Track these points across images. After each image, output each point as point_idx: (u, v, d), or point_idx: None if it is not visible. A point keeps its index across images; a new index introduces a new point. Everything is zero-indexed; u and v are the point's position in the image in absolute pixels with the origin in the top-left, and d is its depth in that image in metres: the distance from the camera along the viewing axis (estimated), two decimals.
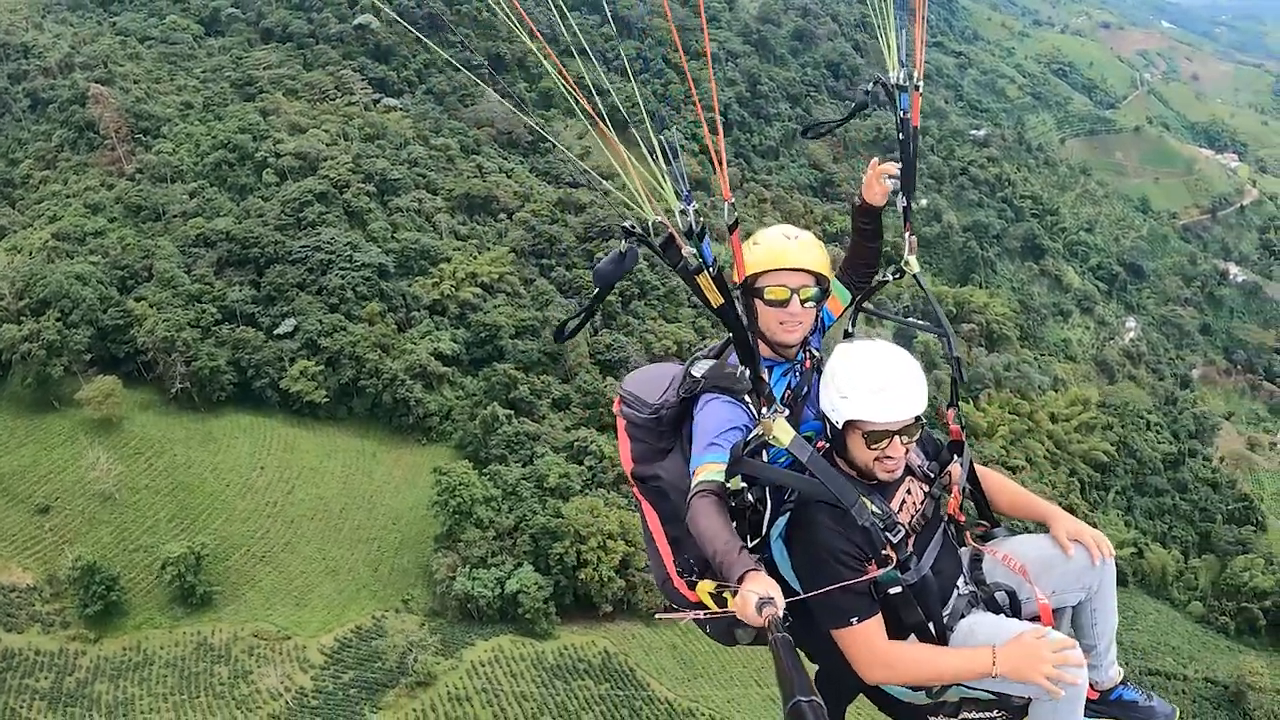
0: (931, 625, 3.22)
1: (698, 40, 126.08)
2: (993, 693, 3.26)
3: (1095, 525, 3.78)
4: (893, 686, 3.35)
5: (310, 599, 59.46)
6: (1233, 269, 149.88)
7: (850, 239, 3.98)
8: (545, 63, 3.12)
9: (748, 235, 3.45)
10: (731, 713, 55.96)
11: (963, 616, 3.33)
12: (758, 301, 3.41)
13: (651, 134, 2.85)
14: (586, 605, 60.94)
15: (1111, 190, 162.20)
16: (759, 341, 3.41)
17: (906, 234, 3.80)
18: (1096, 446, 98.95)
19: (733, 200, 2.96)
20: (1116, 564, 3.54)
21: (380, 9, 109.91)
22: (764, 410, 3.17)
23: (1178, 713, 3.69)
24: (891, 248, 4.00)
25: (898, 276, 3.92)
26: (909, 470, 3.36)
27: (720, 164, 2.89)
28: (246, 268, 79.25)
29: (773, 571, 3.21)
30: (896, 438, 3.12)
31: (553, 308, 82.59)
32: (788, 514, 3.28)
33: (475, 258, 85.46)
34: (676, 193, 2.85)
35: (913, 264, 3.83)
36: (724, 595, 2.89)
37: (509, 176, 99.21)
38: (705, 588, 3.05)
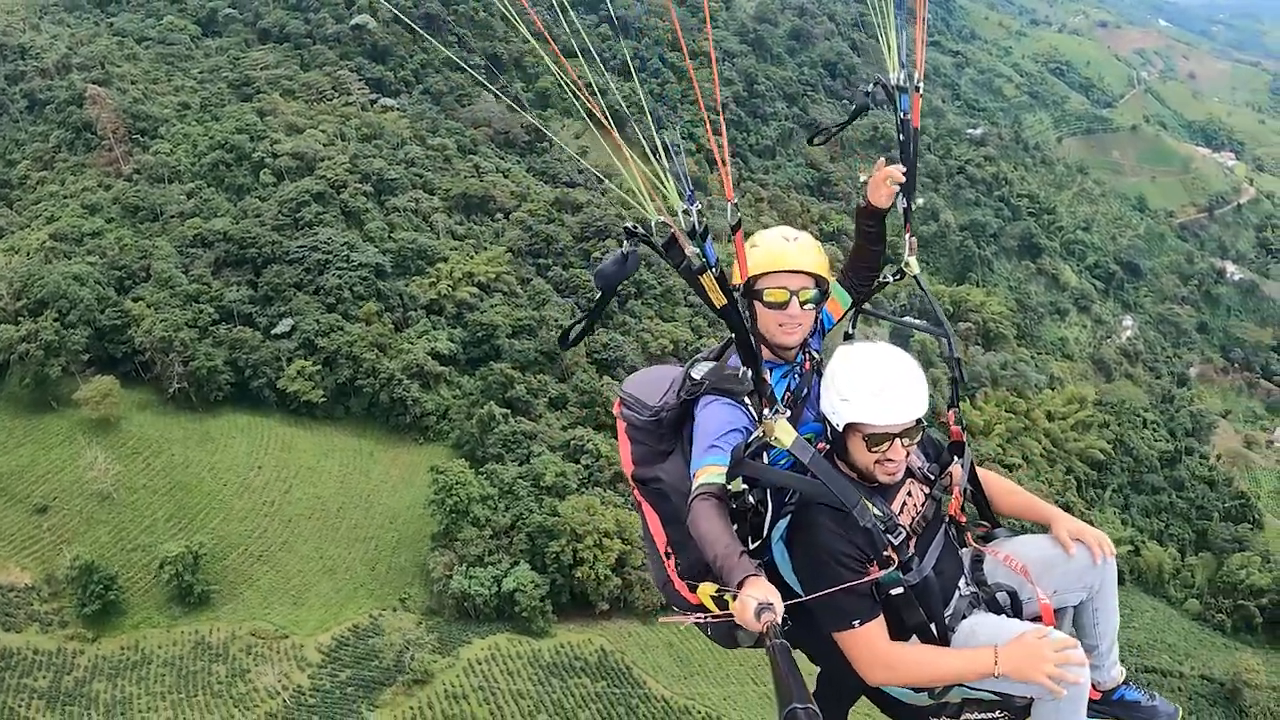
0: (933, 626, 3.22)
1: (694, 40, 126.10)
2: (995, 693, 3.25)
3: (1093, 524, 3.86)
4: (895, 688, 3.34)
5: (308, 598, 59.61)
6: (1230, 267, 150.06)
7: (853, 242, 3.97)
8: (552, 65, 3.14)
9: (746, 236, 3.43)
10: (727, 710, 56.13)
11: (964, 617, 3.33)
12: (757, 304, 3.42)
13: (655, 133, 2.87)
14: (583, 603, 61.11)
15: (1108, 189, 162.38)
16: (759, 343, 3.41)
17: (907, 235, 3.81)
18: (1093, 444, 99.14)
19: (735, 200, 2.97)
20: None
21: (377, 10, 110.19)
22: (765, 411, 3.16)
23: (1180, 712, 3.67)
24: (891, 248, 4.06)
25: (898, 278, 3.91)
26: (909, 472, 3.36)
27: (723, 164, 2.91)
28: (244, 268, 79.38)
29: (774, 574, 3.22)
30: (897, 440, 3.12)
31: (550, 307, 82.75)
32: (788, 516, 3.27)
33: (472, 257, 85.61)
34: (679, 192, 2.85)
35: (913, 265, 3.83)
36: (725, 597, 2.88)
37: (506, 176, 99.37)
38: (707, 590, 3.02)
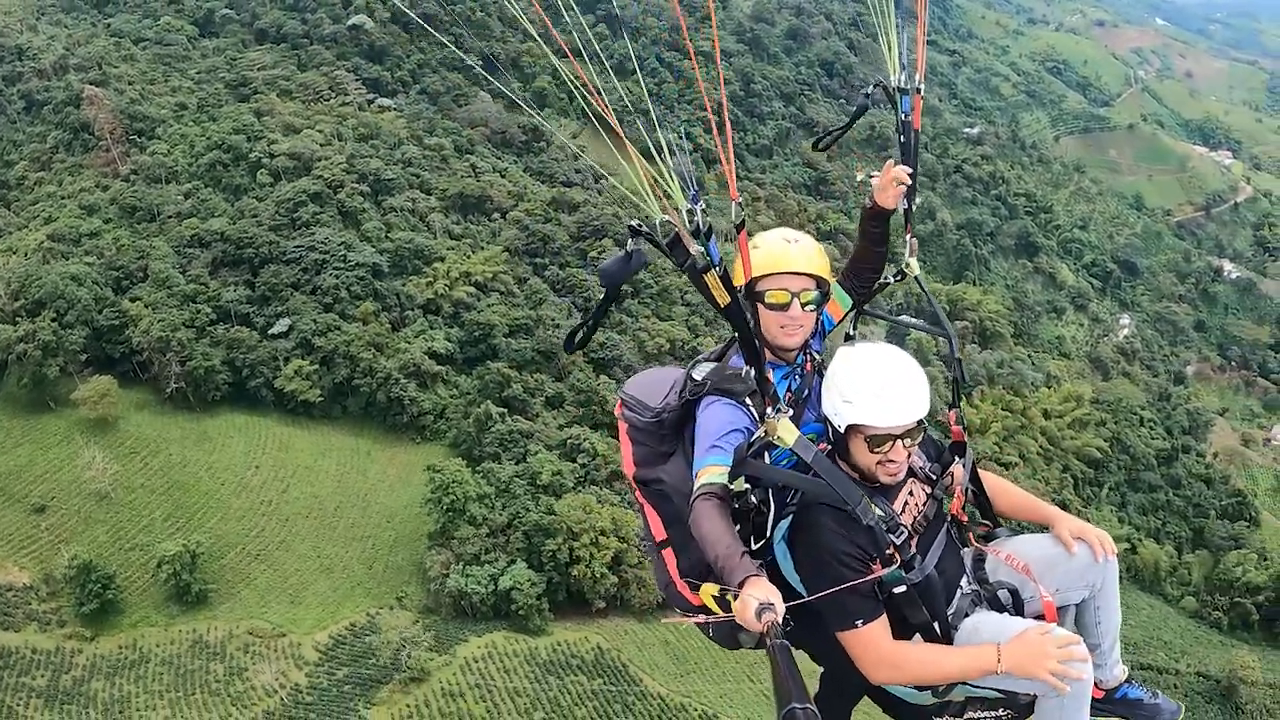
0: (936, 625, 3.22)
1: (692, 39, 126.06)
2: (999, 691, 3.25)
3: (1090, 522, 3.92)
4: (898, 687, 3.34)
5: (305, 596, 59.77)
6: (1227, 266, 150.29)
7: (856, 243, 3.96)
8: (558, 63, 3.13)
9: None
10: (724, 708, 56.30)
11: (966, 615, 3.33)
12: (758, 305, 3.43)
13: (659, 132, 2.88)
14: (579, 602, 61.29)
15: (1105, 188, 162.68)
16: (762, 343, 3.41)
17: (908, 236, 3.80)
18: (1090, 443, 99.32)
19: (740, 200, 2.97)
20: None
21: (374, 10, 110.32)
22: (768, 410, 3.16)
23: (1183, 710, 3.69)
24: (889, 248, 4.09)
25: (899, 279, 3.90)
26: (911, 472, 3.36)
27: (728, 162, 2.91)
28: (241, 268, 79.53)
29: (776, 575, 3.21)
30: (899, 441, 3.13)
31: (546, 306, 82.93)
32: (790, 517, 3.26)
33: (469, 257, 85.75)
34: (684, 191, 2.85)
35: (913, 266, 3.81)
36: (728, 598, 2.87)
37: (503, 176, 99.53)
38: (709, 590, 3.01)
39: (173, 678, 53.31)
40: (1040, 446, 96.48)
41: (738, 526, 3.12)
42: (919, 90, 3.68)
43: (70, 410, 66.48)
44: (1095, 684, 3.39)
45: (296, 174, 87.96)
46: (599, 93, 3.00)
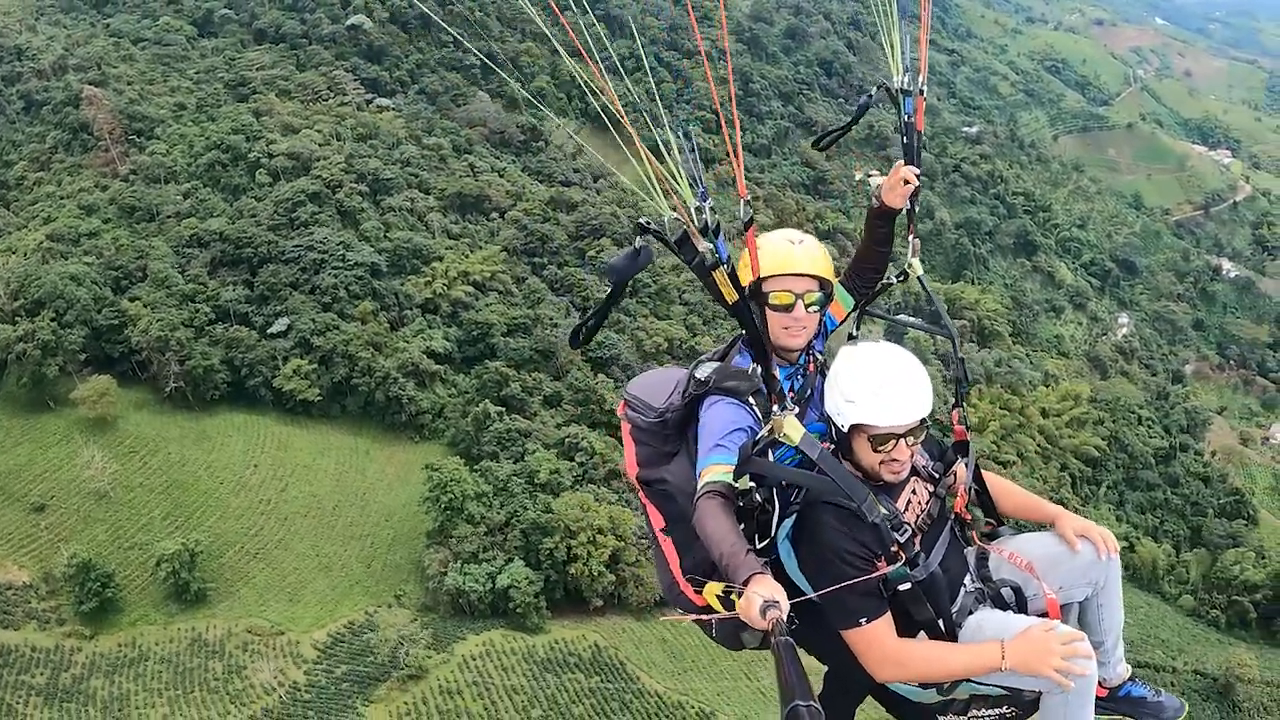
0: (941, 622, 3.23)
1: (690, 38, 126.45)
2: (1003, 688, 3.25)
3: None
4: (902, 686, 3.34)
5: (303, 595, 59.95)
6: (1225, 264, 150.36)
7: (860, 242, 3.95)
8: (568, 59, 3.12)
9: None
10: (721, 705, 56.48)
11: (970, 613, 3.34)
12: (762, 306, 3.40)
13: (669, 130, 2.89)
14: (577, 600, 61.48)
15: (1104, 187, 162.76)
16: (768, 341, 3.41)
17: (910, 236, 3.80)
18: (1088, 441, 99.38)
19: (748, 197, 2.97)
20: None
21: (373, 10, 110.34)
22: (774, 408, 3.16)
23: (1187, 708, 3.69)
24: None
25: (901, 279, 3.89)
26: (914, 470, 3.35)
27: (737, 159, 2.90)
28: (240, 267, 79.70)
29: (780, 573, 3.20)
30: (902, 440, 3.13)
31: (545, 305, 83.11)
32: (794, 516, 3.26)
33: (467, 256, 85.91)
34: (692, 189, 2.86)
35: (916, 266, 3.79)
36: (731, 598, 2.87)
37: (501, 176, 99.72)
38: (713, 590, 2.99)
39: (171, 676, 53.51)
40: (1038, 445, 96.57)
41: (742, 525, 3.12)
42: (921, 92, 3.69)
43: (69, 410, 66.67)
44: (1099, 682, 3.39)
45: (295, 174, 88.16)
46: (608, 87, 3.01)
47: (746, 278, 3.19)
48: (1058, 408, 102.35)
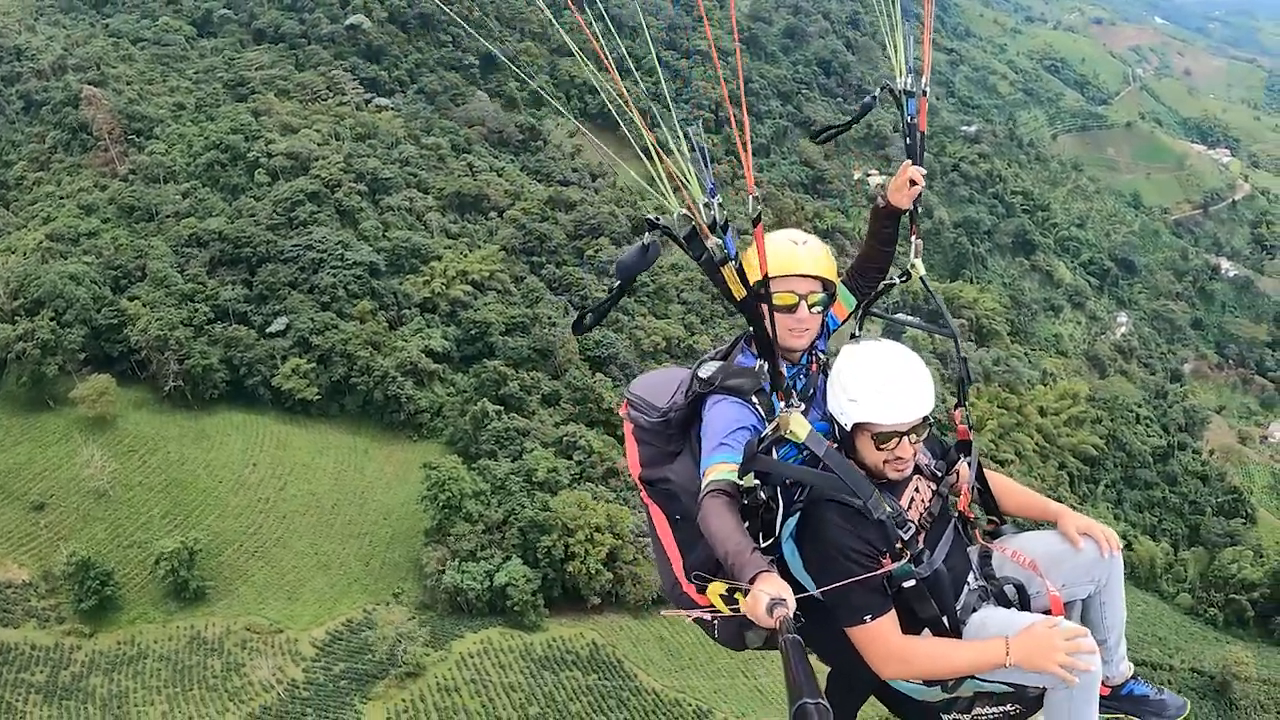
0: (945, 620, 3.24)
1: (689, 39, 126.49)
2: (1008, 685, 3.25)
3: None
4: (906, 684, 3.34)
5: (302, 593, 60.12)
6: (1224, 264, 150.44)
7: (864, 242, 3.93)
8: (579, 53, 3.15)
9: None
10: (718, 703, 56.58)
11: (974, 611, 3.35)
12: (763, 307, 3.39)
13: (679, 126, 2.90)
14: (574, 598, 61.58)
15: (1103, 186, 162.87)
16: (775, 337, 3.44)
17: (913, 237, 3.80)
18: (1086, 440, 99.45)
19: (757, 193, 2.98)
20: None
21: (372, 10, 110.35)
22: (781, 404, 3.18)
23: (1189, 706, 3.67)
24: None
25: (904, 279, 3.89)
26: (917, 468, 3.36)
27: (746, 155, 2.92)
28: (239, 267, 79.86)
29: (785, 572, 3.20)
30: (905, 438, 3.14)
31: (543, 305, 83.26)
32: (798, 514, 3.27)
33: (466, 255, 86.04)
34: (701, 185, 2.88)
35: (919, 266, 3.79)
36: (735, 597, 2.88)
37: (500, 175, 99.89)
38: (716, 589, 2.97)
39: (170, 673, 53.68)
40: (1036, 444, 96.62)
41: (746, 524, 3.12)
42: (924, 93, 3.69)
43: (69, 409, 66.86)
44: (1102, 680, 3.39)
45: (294, 173, 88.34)
46: (618, 79, 3.03)
47: (754, 273, 3.18)
48: (1056, 406, 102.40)
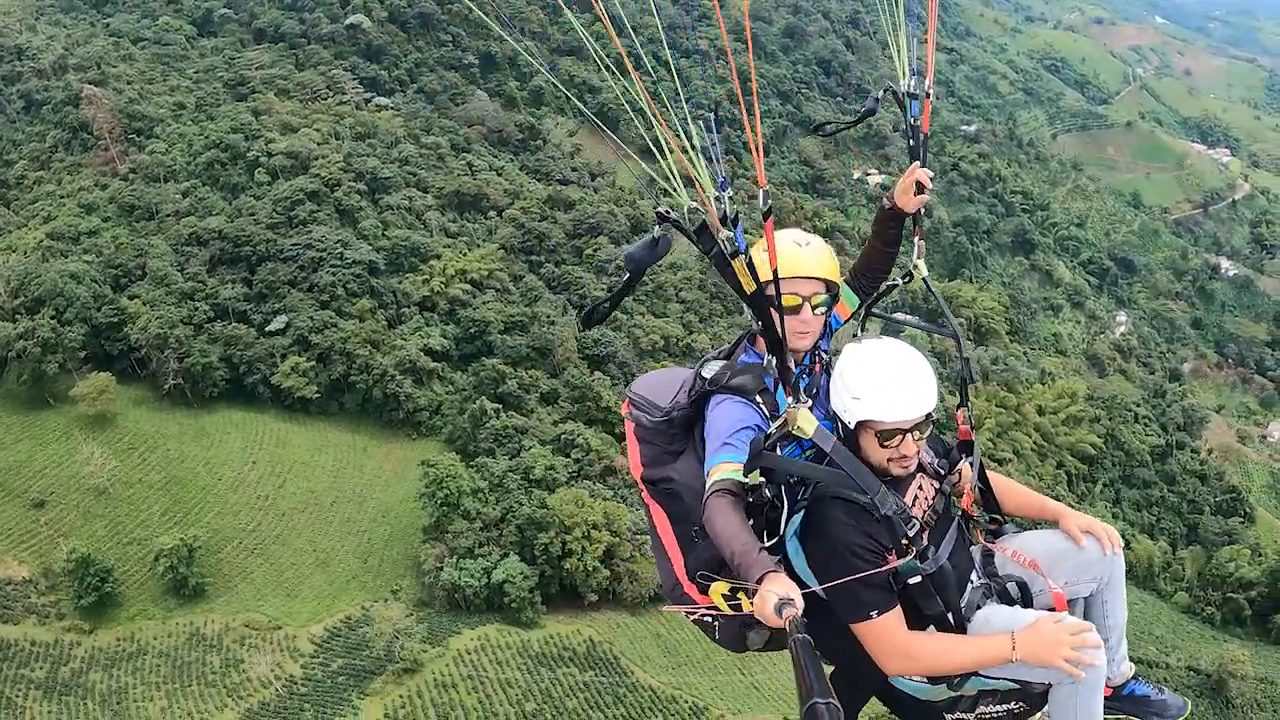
0: (950, 616, 3.24)
1: (688, 39, 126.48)
2: (1013, 681, 3.26)
3: None
4: (910, 683, 3.34)
5: (301, 590, 60.39)
6: (1224, 263, 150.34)
7: (868, 243, 3.92)
8: (593, 50, 3.19)
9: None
10: (714, 700, 56.78)
11: (978, 608, 3.36)
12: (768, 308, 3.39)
13: (690, 121, 2.92)
14: (572, 595, 61.84)
15: (1103, 185, 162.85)
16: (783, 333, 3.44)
17: (916, 238, 3.78)
18: (1084, 439, 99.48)
19: (768, 188, 2.98)
20: None
21: (371, 10, 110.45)
22: (789, 400, 3.18)
23: (1190, 706, 3.69)
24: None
25: (906, 280, 3.86)
26: (920, 466, 3.37)
27: (757, 150, 2.88)
28: (239, 265, 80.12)
29: (789, 570, 3.21)
30: (909, 435, 3.14)
31: (542, 304, 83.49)
32: (802, 512, 3.27)
33: (465, 254, 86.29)
34: (712, 179, 2.89)
35: (921, 268, 3.77)
36: (737, 597, 2.87)
37: (499, 174, 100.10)
38: (719, 589, 2.99)
39: (170, 669, 53.98)
40: (1034, 443, 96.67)
41: (750, 523, 3.13)
42: (928, 95, 3.67)
43: (69, 406, 67.14)
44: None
45: (294, 172, 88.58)
46: (633, 70, 3.06)
47: (762, 267, 3.14)
48: (1054, 405, 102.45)
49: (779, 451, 3.19)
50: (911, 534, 3.14)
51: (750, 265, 3.01)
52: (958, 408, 3.55)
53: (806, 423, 3.12)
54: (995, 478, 3.71)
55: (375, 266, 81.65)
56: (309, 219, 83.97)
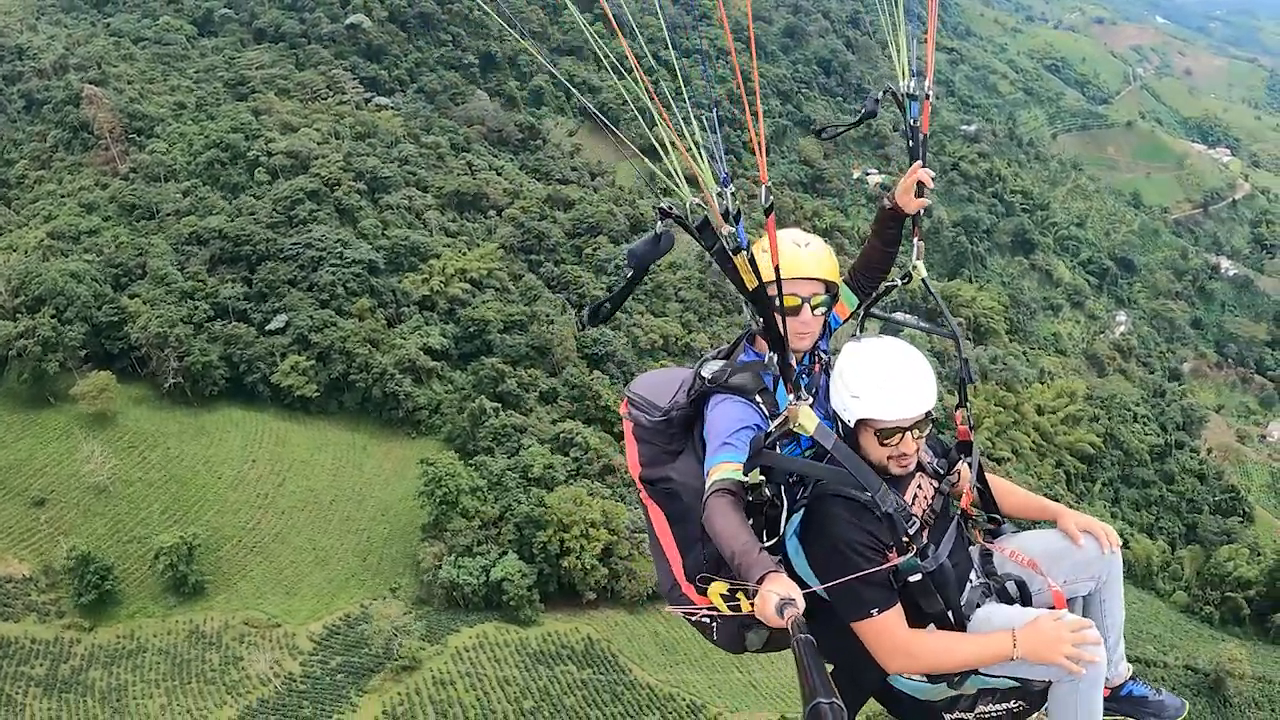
0: (950, 614, 3.25)
1: (688, 39, 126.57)
2: (1013, 679, 3.27)
3: None
4: (910, 683, 3.34)
5: (300, 588, 60.58)
6: (1224, 263, 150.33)
7: (867, 243, 3.91)
8: (594, 45, 3.19)
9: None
10: (712, 698, 56.90)
11: (977, 607, 3.36)
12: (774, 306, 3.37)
13: (693, 116, 2.93)
14: (570, 593, 61.98)
15: (1103, 185, 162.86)
16: (766, 345, 3.41)
17: (915, 239, 3.78)
18: (1083, 438, 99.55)
19: (769, 184, 2.99)
20: None
21: (372, 9, 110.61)
22: (791, 396, 3.17)
23: (1188, 707, 3.69)
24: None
25: (906, 281, 3.87)
26: (919, 465, 3.37)
27: (759, 148, 2.90)
28: (239, 265, 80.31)
29: (789, 569, 3.21)
30: (908, 433, 3.15)
31: (541, 303, 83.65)
32: (801, 511, 3.27)
33: (464, 254, 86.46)
34: (715, 175, 2.89)
35: (920, 268, 3.77)
36: (736, 597, 2.86)
37: (499, 174, 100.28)
38: (718, 589, 2.98)
39: (169, 667, 54.15)
40: (1033, 442, 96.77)
41: (750, 523, 3.12)
42: (928, 96, 3.67)
43: (69, 405, 67.32)
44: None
45: (294, 172, 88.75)
46: (636, 65, 3.07)
47: (765, 264, 3.12)
48: (1053, 405, 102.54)
49: (778, 450, 3.19)
50: (912, 531, 3.15)
51: (752, 261, 3.01)
52: (956, 408, 3.56)
53: (808, 420, 3.11)
54: (994, 479, 3.73)
55: (375, 266, 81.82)
56: (309, 218, 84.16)
